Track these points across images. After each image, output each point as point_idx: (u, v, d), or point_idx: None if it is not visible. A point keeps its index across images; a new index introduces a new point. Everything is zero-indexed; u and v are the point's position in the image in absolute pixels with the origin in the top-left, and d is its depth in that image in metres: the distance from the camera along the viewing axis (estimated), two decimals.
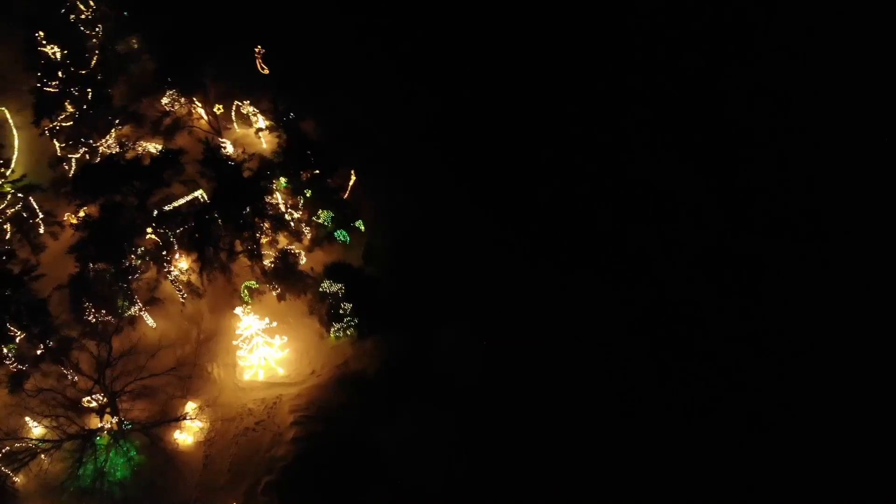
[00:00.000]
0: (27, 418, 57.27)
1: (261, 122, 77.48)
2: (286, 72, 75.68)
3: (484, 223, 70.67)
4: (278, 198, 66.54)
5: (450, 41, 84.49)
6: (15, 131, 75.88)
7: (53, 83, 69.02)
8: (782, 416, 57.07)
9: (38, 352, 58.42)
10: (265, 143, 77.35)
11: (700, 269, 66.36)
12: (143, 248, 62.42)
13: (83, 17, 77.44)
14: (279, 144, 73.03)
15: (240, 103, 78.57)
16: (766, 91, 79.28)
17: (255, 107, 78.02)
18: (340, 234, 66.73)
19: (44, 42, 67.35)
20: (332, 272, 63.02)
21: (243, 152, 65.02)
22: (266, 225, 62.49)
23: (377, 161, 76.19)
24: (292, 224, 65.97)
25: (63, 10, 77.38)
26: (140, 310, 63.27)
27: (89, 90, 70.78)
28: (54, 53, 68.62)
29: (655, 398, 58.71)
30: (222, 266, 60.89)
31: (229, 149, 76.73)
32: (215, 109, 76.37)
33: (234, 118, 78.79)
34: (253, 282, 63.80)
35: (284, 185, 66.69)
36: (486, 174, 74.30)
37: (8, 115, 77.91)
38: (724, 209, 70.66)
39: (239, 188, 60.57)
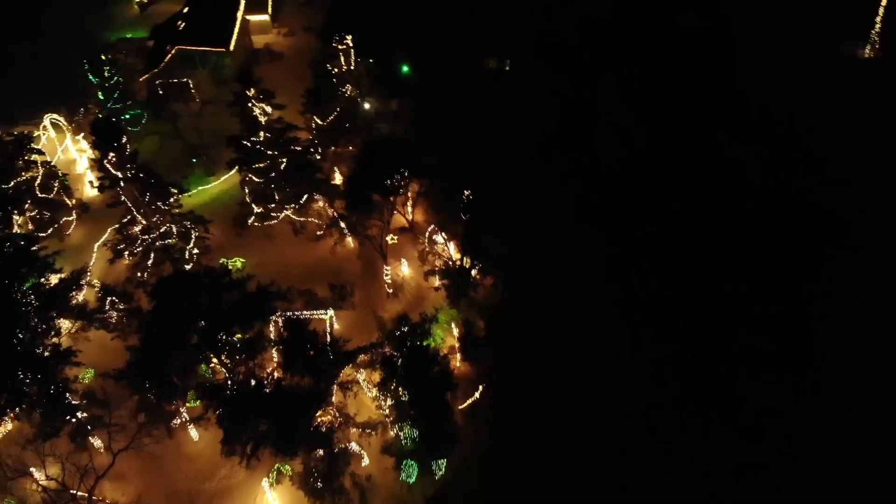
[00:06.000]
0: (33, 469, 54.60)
1: (452, 254, 66.35)
2: (483, 224, 62.40)
3: None
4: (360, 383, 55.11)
5: None
6: None
7: (252, 139, 63.60)
8: None
9: (66, 418, 54.62)
10: (437, 284, 65.89)
11: None
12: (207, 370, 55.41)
13: (336, 70, 70.60)
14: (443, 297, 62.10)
15: (435, 229, 67.88)
16: None
17: (448, 244, 66.95)
18: (406, 470, 53.04)
19: (252, 102, 61.49)
20: None
21: (343, 341, 52.80)
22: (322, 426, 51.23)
23: (530, 372, 61.35)
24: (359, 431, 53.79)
25: (322, 57, 71.55)
26: (188, 421, 57.01)
27: (283, 159, 64.30)
28: (262, 112, 62.67)
29: None
30: (243, 454, 50.78)
31: (403, 269, 67.12)
32: (389, 238, 66.15)
33: (426, 243, 68.31)
34: (288, 467, 53.70)
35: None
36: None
37: None
38: None
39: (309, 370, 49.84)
